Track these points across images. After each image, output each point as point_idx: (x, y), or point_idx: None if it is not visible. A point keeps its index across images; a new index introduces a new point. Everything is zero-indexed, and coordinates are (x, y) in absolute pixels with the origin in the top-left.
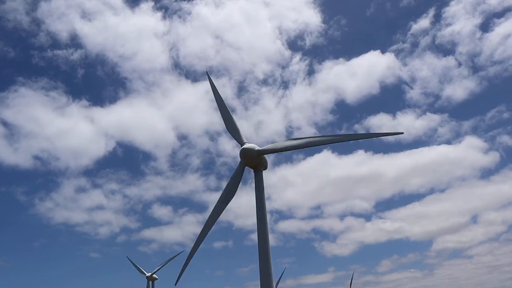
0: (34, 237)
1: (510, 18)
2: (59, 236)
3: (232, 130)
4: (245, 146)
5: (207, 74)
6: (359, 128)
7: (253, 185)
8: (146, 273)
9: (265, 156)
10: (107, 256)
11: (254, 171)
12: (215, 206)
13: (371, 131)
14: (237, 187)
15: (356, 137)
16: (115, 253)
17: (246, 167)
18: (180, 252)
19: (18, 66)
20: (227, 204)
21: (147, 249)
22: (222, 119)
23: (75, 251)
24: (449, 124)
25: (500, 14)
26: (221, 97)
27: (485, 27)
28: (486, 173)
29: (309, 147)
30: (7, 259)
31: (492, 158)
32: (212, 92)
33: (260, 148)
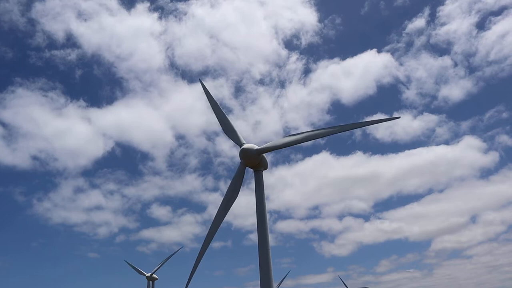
0: (33, 237)
1: (507, 16)
2: (57, 236)
3: (230, 132)
4: (245, 146)
5: (200, 81)
6: (356, 129)
7: (252, 185)
8: (145, 273)
9: (264, 155)
10: (105, 256)
11: (254, 171)
12: (219, 208)
13: (368, 132)
14: (240, 187)
15: (353, 126)
16: (114, 253)
17: (246, 167)
18: (179, 249)
19: (15, 66)
20: (231, 205)
21: (146, 249)
22: (218, 122)
23: (73, 251)
24: (447, 125)
25: (497, 12)
26: (215, 101)
27: (482, 25)
28: (486, 173)
29: (308, 141)
30: (5, 259)
31: (492, 158)
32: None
33: (259, 147)
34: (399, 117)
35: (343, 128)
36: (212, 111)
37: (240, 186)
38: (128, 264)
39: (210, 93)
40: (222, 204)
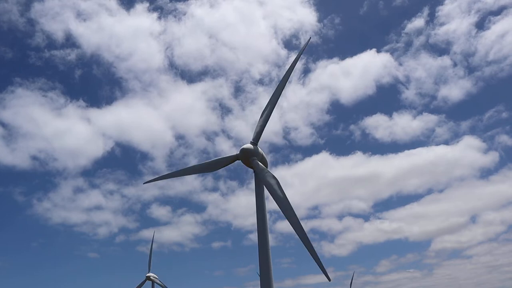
0: (32, 237)
1: (506, 16)
2: (57, 236)
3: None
4: (245, 146)
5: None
6: (355, 129)
7: (251, 185)
8: (149, 271)
9: (264, 155)
10: (105, 256)
11: (254, 171)
12: (192, 167)
13: (367, 132)
14: (218, 168)
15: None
16: (114, 253)
17: (247, 167)
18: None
19: (15, 66)
20: (199, 172)
21: (145, 249)
22: (268, 108)
23: (73, 251)
24: (446, 125)
25: (497, 12)
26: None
27: (481, 25)
28: (485, 173)
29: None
30: (5, 259)
31: (491, 158)
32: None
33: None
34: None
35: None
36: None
37: (220, 168)
38: (150, 251)
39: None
40: (196, 165)
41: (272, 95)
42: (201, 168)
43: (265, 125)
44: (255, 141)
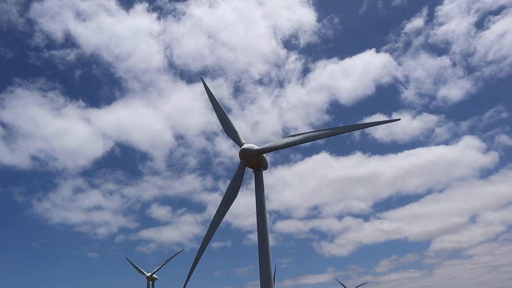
0: (32, 237)
1: (506, 16)
2: (57, 236)
3: (230, 132)
4: (244, 146)
5: (202, 80)
6: (355, 130)
7: (251, 185)
8: (146, 273)
9: (264, 155)
10: (105, 256)
11: (254, 171)
12: (219, 207)
13: (367, 132)
14: (239, 187)
15: (354, 128)
16: (114, 253)
17: (246, 167)
18: (180, 251)
19: (14, 67)
20: (230, 205)
21: (145, 249)
22: (219, 121)
23: (73, 251)
24: (446, 125)
25: (496, 12)
26: (216, 100)
27: (480, 25)
28: (485, 173)
29: (307, 142)
30: (5, 259)
31: (491, 158)
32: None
33: (259, 147)
34: (399, 119)
35: (341, 130)
36: (213, 110)
37: (240, 185)
38: (129, 262)
39: (211, 92)
40: (221, 204)
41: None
42: (229, 200)
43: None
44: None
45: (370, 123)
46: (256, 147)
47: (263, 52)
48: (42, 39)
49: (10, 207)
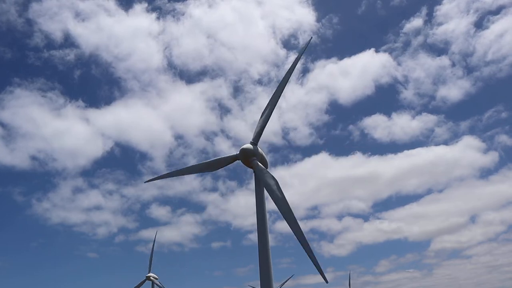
0: (32, 237)
1: (505, 16)
2: (56, 236)
3: (258, 125)
4: (245, 146)
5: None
6: (354, 129)
7: (250, 186)
8: (149, 272)
9: (264, 155)
10: (105, 256)
11: (254, 171)
12: (193, 166)
13: (366, 132)
14: (218, 168)
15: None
16: (113, 253)
17: (247, 167)
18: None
19: (14, 67)
20: (198, 172)
21: (145, 249)
22: (269, 107)
23: (73, 251)
24: (446, 125)
25: (495, 11)
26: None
27: (480, 25)
28: (485, 173)
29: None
30: (5, 259)
31: (491, 158)
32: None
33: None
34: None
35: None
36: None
37: (220, 168)
38: (151, 255)
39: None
40: (196, 165)
41: (273, 95)
42: (201, 168)
43: (265, 126)
44: (255, 141)
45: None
46: (260, 150)
47: (262, 52)
48: (41, 39)
49: (10, 207)
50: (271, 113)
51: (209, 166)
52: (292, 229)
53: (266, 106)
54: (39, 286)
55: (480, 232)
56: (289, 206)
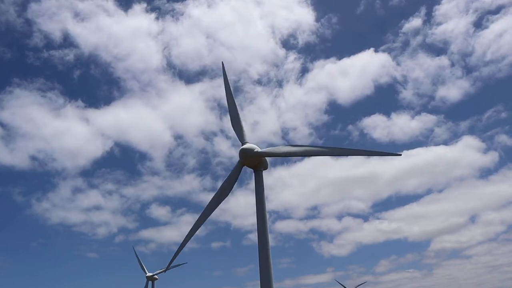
0: (32, 237)
1: (505, 15)
2: (56, 236)
3: (236, 126)
4: (245, 146)
5: (222, 65)
6: (353, 129)
7: (250, 186)
8: (147, 272)
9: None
10: (105, 256)
11: (254, 171)
12: (210, 202)
13: (365, 132)
14: (233, 185)
15: (353, 152)
16: (113, 253)
17: (246, 167)
18: (184, 263)
19: (13, 67)
20: (221, 201)
21: (145, 249)
22: (229, 112)
23: (72, 251)
24: (445, 125)
25: (495, 11)
26: (231, 91)
27: (479, 24)
28: (485, 173)
29: (306, 156)
30: (4, 259)
31: (491, 157)
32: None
33: (259, 150)
34: (400, 154)
35: (343, 152)
36: (226, 98)
37: (234, 183)
38: (136, 257)
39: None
40: (213, 198)
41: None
42: (218, 201)
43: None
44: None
45: (373, 152)
46: (257, 148)
47: (261, 52)
48: (40, 39)
49: (10, 207)
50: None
51: (225, 190)
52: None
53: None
54: (39, 286)
55: (480, 232)
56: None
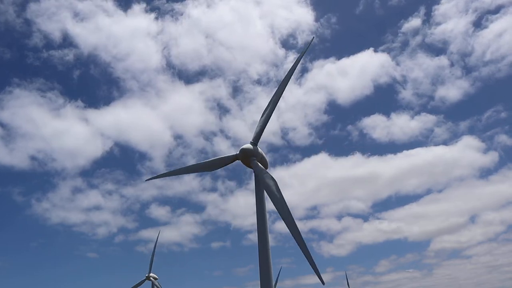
0: (32, 237)
1: (505, 15)
2: (56, 236)
3: (262, 126)
4: (244, 146)
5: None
6: (352, 129)
7: (250, 186)
8: (147, 274)
9: (264, 155)
10: (104, 256)
11: (254, 171)
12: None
13: (365, 132)
14: (218, 168)
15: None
16: (113, 253)
17: (246, 167)
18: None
19: (13, 67)
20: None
21: (144, 249)
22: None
23: (72, 251)
24: (445, 125)
25: (494, 11)
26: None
27: (479, 24)
28: (485, 173)
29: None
30: (4, 259)
31: (491, 157)
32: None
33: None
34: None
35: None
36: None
37: (219, 167)
38: (153, 255)
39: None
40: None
41: (273, 95)
42: (201, 167)
43: (265, 126)
44: (255, 141)
45: None
46: (258, 151)
47: (261, 52)
48: (40, 39)
49: (9, 207)
50: (271, 114)
51: (209, 166)
52: (290, 230)
53: (267, 107)
54: (39, 286)
55: (480, 232)
56: (287, 207)
